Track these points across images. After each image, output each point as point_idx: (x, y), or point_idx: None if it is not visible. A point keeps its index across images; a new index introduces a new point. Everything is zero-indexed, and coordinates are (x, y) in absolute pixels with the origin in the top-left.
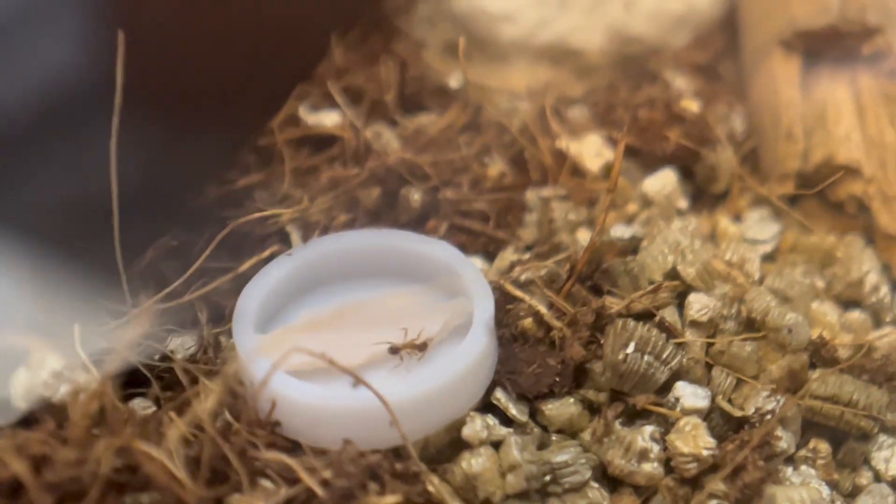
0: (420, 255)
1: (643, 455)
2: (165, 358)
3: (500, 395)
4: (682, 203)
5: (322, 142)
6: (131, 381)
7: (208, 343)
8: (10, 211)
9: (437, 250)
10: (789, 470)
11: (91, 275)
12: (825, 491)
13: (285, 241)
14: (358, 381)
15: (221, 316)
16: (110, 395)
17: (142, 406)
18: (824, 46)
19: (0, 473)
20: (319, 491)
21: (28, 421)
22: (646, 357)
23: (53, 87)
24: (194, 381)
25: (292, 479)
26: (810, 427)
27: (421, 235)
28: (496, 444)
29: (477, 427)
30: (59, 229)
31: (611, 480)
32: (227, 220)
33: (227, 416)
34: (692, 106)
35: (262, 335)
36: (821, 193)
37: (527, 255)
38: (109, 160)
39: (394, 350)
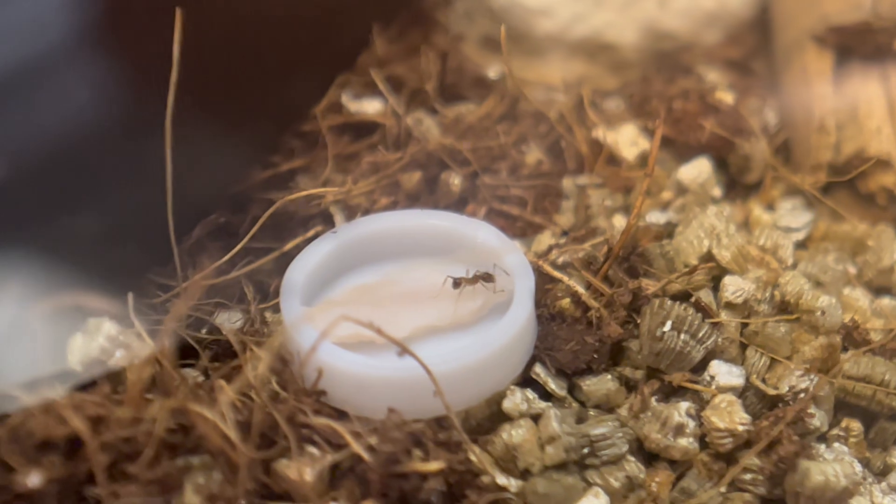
0: (462, 234)
1: (679, 430)
2: (213, 331)
3: (539, 371)
4: (717, 191)
5: (363, 128)
6: (180, 353)
7: (255, 317)
8: (78, 199)
9: (478, 230)
10: (822, 447)
11: (143, 251)
12: (858, 467)
13: (328, 223)
14: (404, 350)
15: (266, 293)
16: (165, 359)
17: (191, 376)
18: (856, 42)
19: (59, 430)
20: (366, 456)
21: (84, 385)
22: (682, 335)
23: (116, 91)
24: (243, 350)
25: (338, 446)
26: (842, 407)
27: (463, 216)
28: (535, 418)
29: (517, 400)
30: (118, 211)
31: (647, 455)
32: (272, 202)
33: (275, 385)
34: (727, 97)
35: (307, 307)
36: (852, 185)
37: (563, 240)
38: (165, 142)
39: (457, 283)
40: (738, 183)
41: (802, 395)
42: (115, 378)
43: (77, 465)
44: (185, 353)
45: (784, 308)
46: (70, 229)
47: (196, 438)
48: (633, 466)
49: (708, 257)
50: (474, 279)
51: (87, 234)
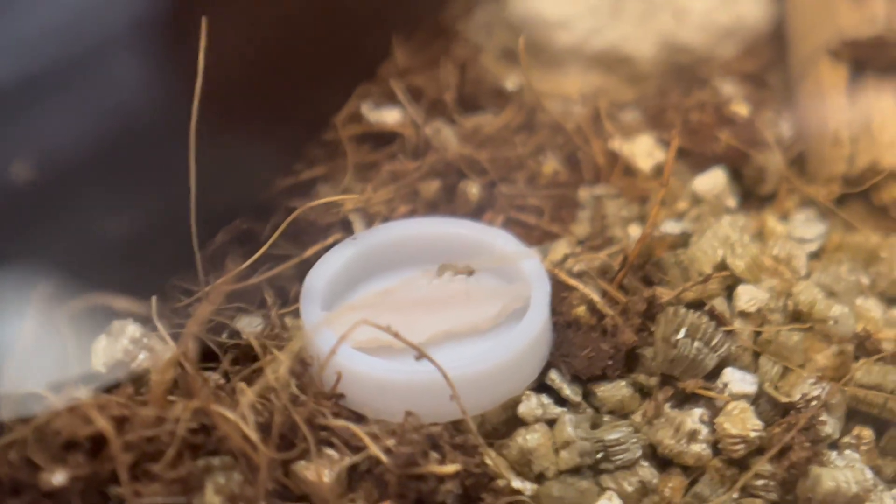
0: (480, 242)
1: (692, 436)
2: (233, 335)
3: (554, 376)
4: (731, 202)
5: (383, 138)
6: (202, 357)
7: (275, 322)
8: (105, 203)
9: (496, 238)
10: (834, 454)
11: (167, 255)
12: (869, 474)
13: (348, 230)
14: (421, 354)
15: (286, 299)
16: (188, 361)
17: (213, 379)
18: (871, 56)
19: (83, 430)
20: (383, 458)
21: (108, 386)
22: (695, 343)
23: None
24: (264, 353)
25: (356, 448)
26: (854, 415)
27: (481, 224)
28: (550, 423)
29: (532, 405)
30: (143, 216)
31: (660, 460)
32: (293, 209)
33: (294, 388)
34: (742, 109)
35: (327, 312)
36: (865, 197)
37: (579, 249)
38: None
39: (442, 269)
40: (752, 194)
41: (814, 402)
42: (138, 379)
43: (101, 464)
44: (207, 357)
45: (797, 317)
46: (96, 233)
47: (217, 439)
48: (647, 471)
49: (722, 266)
50: (460, 269)
51: (112, 237)
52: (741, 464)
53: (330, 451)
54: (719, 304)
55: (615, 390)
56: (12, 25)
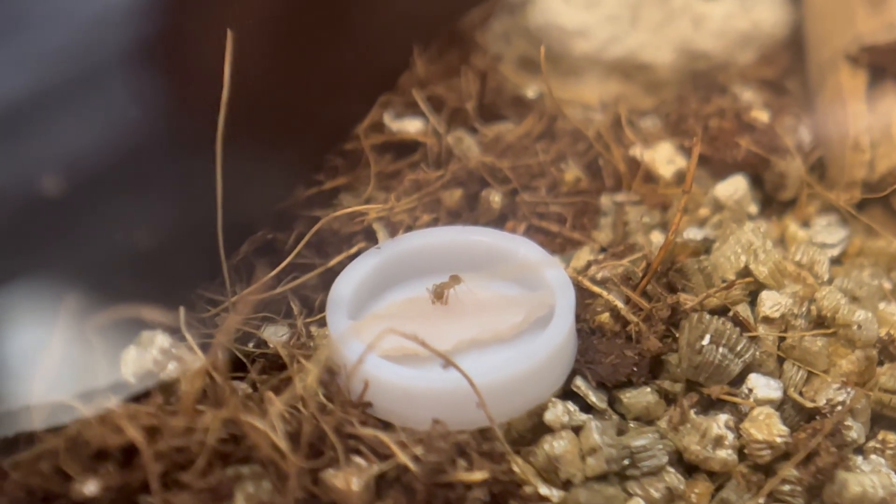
0: (504, 250)
1: (718, 442)
2: (260, 344)
3: (579, 383)
4: (753, 208)
5: (405, 148)
6: (230, 366)
7: (301, 331)
8: (132, 215)
9: (520, 246)
10: (859, 459)
11: (193, 266)
12: (895, 478)
13: (371, 239)
14: (448, 362)
15: (311, 308)
16: (218, 370)
17: (241, 388)
18: (889, 61)
19: (114, 440)
20: (411, 466)
21: (137, 396)
22: (720, 349)
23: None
24: (291, 363)
25: (384, 456)
26: (879, 419)
27: (504, 232)
28: (576, 430)
29: (558, 412)
30: (170, 227)
31: (686, 466)
32: (316, 219)
33: (322, 397)
34: (762, 116)
35: (353, 321)
36: (886, 202)
37: (602, 256)
38: (215, 160)
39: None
40: (773, 200)
41: (839, 407)
42: (167, 389)
43: (131, 473)
44: (235, 366)
45: (821, 322)
46: (124, 244)
47: (247, 448)
48: (673, 477)
49: (745, 272)
50: (448, 284)
51: (140, 249)
52: (767, 469)
53: (358, 460)
54: (743, 310)
55: (640, 397)
56: (32, 41)
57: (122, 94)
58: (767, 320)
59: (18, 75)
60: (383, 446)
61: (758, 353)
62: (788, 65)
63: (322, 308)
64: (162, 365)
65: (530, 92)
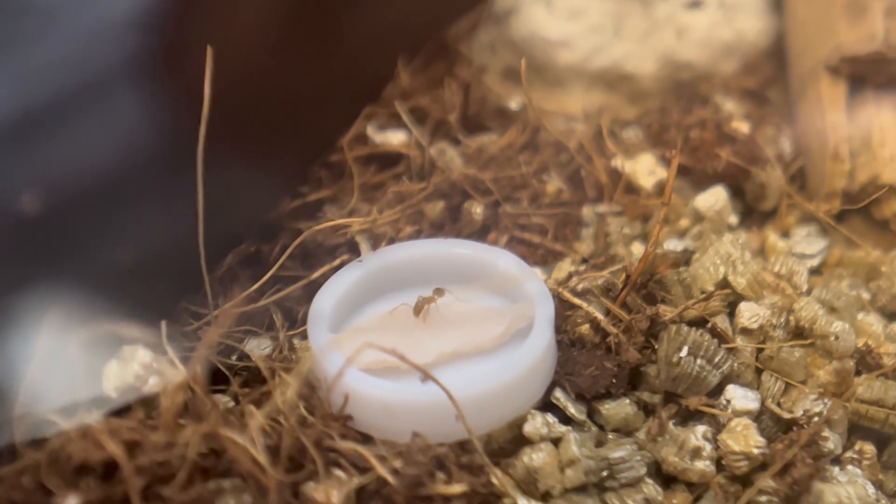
0: (484, 262)
1: (696, 453)
2: (242, 357)
3: (559, 395)
4: (733, 219)
5: (388, 159)
6: (212, 379)
7: (283, 344)
8: (113, 230)
9: (500, 259)
10: (836, 470)
11: (176, 279)
12: (871, 490)
13: (354, 252)
14: (427, 376)
15: (294, 320)
16: (198, 384)
17: (222, 402)
18: (870, 72)
19: (95, 455)
20: (391, 479)
21: (119, 411)
22: (698, 360)
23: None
24: (272, 376)
25: (364, 469)
26: (856, 430)
27: (485, 244)
28: (555, 441)
29: (537, 424)
30: (152, 241)
31: (665, 477)
32: (300, 231)
33: (302, 410)
34: (742, 127)
35: (334, 335)
36: (866, 212)
37: (583, 267)
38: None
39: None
40: (753, 210)
41: (817, 418)
42: (149, 404)
43: (113, 487)
44: (216, 380)
45: (799, 333)
46: (106, 259)
47: (227, 462)
48: (651, 489)
49: (724, 284)
50: (431, 297)
51: (122, 263)
52: (745, 480)
53: (338, 473)
54: (721, 321)
55: (619, 408)
56: (16, 59)
57: (109, 110)
58: (746, 331)
59: (5, 91)
60: (363, 459)
61: (736, 364)
62: (771, 74)
63: (306, 320)
64: (143, 379)
65: (513, 103)
